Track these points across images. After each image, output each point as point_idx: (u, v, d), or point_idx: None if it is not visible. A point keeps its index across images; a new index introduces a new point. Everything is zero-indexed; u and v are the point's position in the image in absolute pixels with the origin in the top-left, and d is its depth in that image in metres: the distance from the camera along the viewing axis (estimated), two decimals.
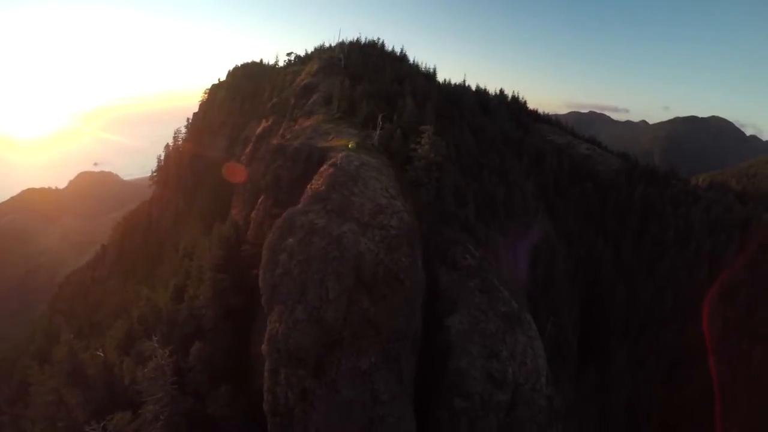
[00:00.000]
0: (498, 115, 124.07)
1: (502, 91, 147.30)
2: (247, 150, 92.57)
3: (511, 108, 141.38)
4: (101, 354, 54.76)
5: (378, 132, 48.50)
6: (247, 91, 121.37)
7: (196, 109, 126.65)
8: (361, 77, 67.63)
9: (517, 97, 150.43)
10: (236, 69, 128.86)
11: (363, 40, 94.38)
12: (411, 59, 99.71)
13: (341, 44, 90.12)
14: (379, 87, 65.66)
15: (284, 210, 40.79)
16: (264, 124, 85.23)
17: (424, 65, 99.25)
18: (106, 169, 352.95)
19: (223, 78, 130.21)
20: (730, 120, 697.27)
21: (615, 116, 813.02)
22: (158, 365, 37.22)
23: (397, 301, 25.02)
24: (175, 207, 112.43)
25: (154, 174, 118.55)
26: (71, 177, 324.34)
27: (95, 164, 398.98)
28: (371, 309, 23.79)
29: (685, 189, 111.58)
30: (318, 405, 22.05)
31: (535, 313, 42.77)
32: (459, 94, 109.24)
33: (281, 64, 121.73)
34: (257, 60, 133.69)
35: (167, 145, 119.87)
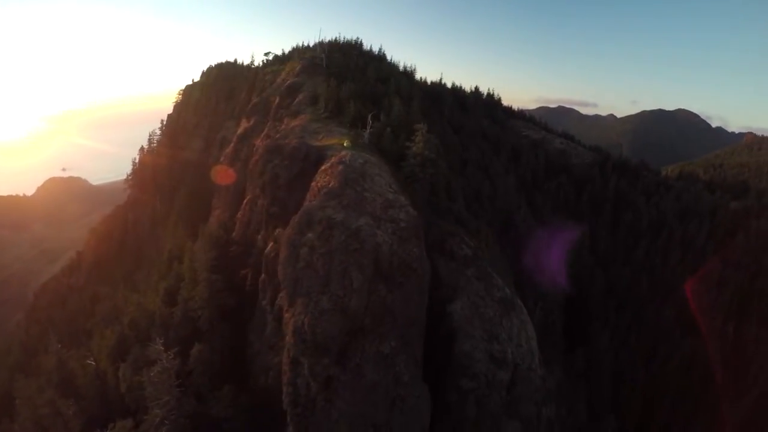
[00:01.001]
0: (475, 113, 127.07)
1: (477, 89, 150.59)
2: (227, 151, 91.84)
3: (486, 105, 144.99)
4: (92, 362, 53.82)
5: (368, 131, 49.51)
6: (222, 91, 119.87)
7: (171, 111, 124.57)
8: (345, 77, 68.25)
9: (492, 95, 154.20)
10: (211, 69, 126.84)
11: (341, 40, 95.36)
12: (389, 58, 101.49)
13: (321, 44, 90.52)
14: (364, 87, 66.57)
15: (282, 208, 41.65)
16: (245, 124, 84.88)
17: (402, 64, 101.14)
18: (75, 174, 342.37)
19: (197, 78, 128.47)
20: (697, 113, 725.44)
21: (584, 110, 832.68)
22: (164, 368, 37.02)
23: (410, 288, 26.28)
24: (152, 210, 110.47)
25: (130, 177, 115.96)
26: (40, 183, 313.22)
27: (63, 169, 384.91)
28: (388, 297, 24.95)
29: (656, 180, 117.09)
30: (343, 391, 22.96)
31: (524, 299, 44.79)
32: (437, 92, 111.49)
33: (257, 64, 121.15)
34: (232, 60, 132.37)
35: (142, 148, 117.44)
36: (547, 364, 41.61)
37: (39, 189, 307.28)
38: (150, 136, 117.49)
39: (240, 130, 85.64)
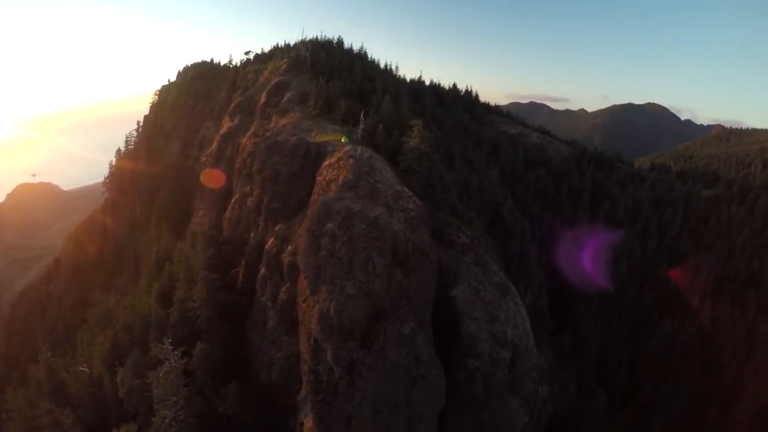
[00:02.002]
0: (455, 109, 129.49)
1: (455, 86, 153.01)
2: (209, 151, 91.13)
3: (465, 101, 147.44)
4: (86, 369, 52.89)
5: (361, 127, 50.45)
6: (200, 91, 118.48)
7: (147, 112, 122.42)
8: (331, 75, 68.94)
9: (470, 92, 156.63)
10: (187, 69, 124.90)
11: (322, 39, 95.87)
12: (370, 57, 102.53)
13: (304, 43, 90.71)
14: (352, 84, 67.49)
15: (283, 204, 42.21)
16: (228, 123, 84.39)
17: (383, 62, 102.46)
18: (46, 180, 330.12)
19: (173, 79, 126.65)
20: (666, 106, 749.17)
21: (555, 105, 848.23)
22: (171, 368, 36.92)
23: (423, 273, 27.40)
24: (131, 213, 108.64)
25: (107, 181, 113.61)
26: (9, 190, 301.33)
27: (33, 175, 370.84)
28: (404, 281, 25.97)
29: (630, 171, 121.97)
30: (367, 373, 23.82)
31: (514, 284, 46.70)
32: (418, 89, 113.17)
33: (235, 63, 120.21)
34: (208, 60, 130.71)
35: (119, 151, 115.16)
36: (538, 346, 43.50)
37: (8, 196, 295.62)
38: (127, 138, 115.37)
39: (223, 130, 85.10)
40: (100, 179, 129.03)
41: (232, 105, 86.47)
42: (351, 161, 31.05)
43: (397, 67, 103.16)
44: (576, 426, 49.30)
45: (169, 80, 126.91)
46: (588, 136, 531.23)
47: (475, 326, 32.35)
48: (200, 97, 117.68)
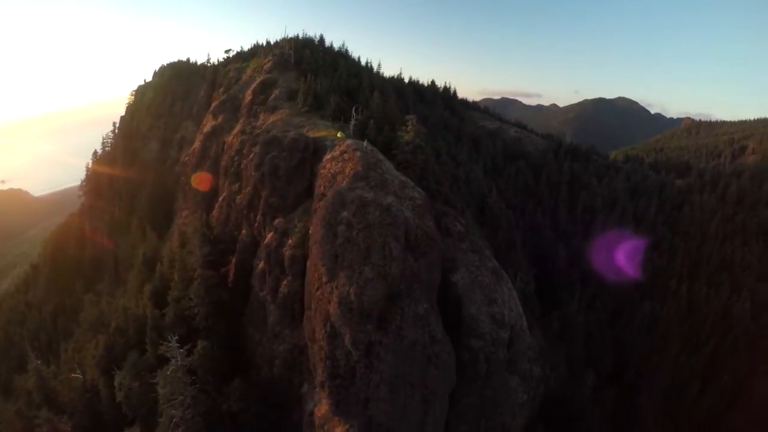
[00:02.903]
0: (435, 105, 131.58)
1: (434, 83, 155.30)
2: (191, 150, 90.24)
3: (444, 98, 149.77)
4: (79, 375, 51.81)
5: (353, 123, 51.23)
6: (177, 91, 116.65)
7: (123, 113, 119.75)
8: (316, 72, 69.46)
9: (448, 88, 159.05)
10: (164, 69, 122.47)
11: (304, 37, 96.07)
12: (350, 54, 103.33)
13: (287, 41, 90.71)
14: (339, 81, 68.17)
15: (282, 198, 42.72)
16: (212, 122, 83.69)
17: (364, 60, 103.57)
18: (16, 186, 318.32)
19: (149, 79, 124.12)
20: (636, 100, 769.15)
21: (527, 101, 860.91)
22: (178, 366, 36.66)
23: (431, 257, 28.47)
24: (110, 217, 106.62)
25: (84, 184, 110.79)
26: None
27: (2, 182, 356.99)
28: (415, 265, 26.95)
29: (606, 163, 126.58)
30: (385, 354, 24.65)
31: (504, 271, 48.40)
32: (399, 86, 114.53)
33: (213, 61, 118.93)
34: (184, 59, 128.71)
35: (95, 153, 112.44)
36: (528, 329, 45.34)
37: None
38: (103, 140, 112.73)
39: (206, 129, 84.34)
40: (73, 184, 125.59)
41: (214, 104, 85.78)
42: (358, 154, 31.94)
43: (379, 65, 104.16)
44: (567, 405, 51.43)
45: (145, 80, 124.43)
46: (560, 130, 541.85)
47: (476, 309, 33.61)
48: (178, 96, 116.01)
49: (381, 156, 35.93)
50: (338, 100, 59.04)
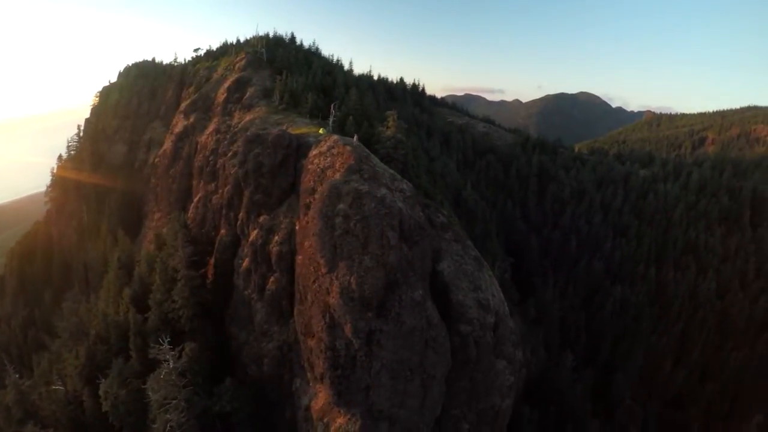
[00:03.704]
0: (405, 101, 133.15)
1: (402, 80, 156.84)
2: (162, 151, 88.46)
3: (413, 94, 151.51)
4: (60, 387, 50.13)
5: (331, 119, 51.65)
6: (143, 91, 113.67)
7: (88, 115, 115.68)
8: (290, 71, 69.36)
9: (417, 85, 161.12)
10: (129, 69, 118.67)
11: (274, 36, 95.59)
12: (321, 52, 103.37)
13: (258, 39, 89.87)
14: (314, 79, 68.27)
15: (267, 195, 42.74)
16: (183, 122, 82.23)
17: (335, 58, 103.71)
18: None
19: (114, 79, 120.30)
20: (598, 94, 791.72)
21: (491, 97, 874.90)
22: (171, 369, 36.01)
23: (423, 246, 29.33)
24: (78, 222, 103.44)
25: (49, 190, 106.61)
26: None
27: None
28: (410, 253, 27.79)
29: (572, 155, 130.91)
30: (385, 341, 25.35)
31: None
32: (370, 84, 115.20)
33: (180, 61, 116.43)
34: (149, 59, 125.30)
35: (60, 157, 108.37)
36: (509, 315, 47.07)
37: None
38: (68, 143, 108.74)
39: (178, 129, 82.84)
40: (38, 190, 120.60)
41: (185, 103, 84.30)
42: (348, 148, 32.45)
43: (350, 63, 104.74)
44: (549, 386, 53.68)
45: (109, 81, 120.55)
46: (524, 125, 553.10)
47: (462, 295, 34.72)
48: (144, 97, 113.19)
49: (366, 149, 36.62)
50: (315, 98, 59.28)
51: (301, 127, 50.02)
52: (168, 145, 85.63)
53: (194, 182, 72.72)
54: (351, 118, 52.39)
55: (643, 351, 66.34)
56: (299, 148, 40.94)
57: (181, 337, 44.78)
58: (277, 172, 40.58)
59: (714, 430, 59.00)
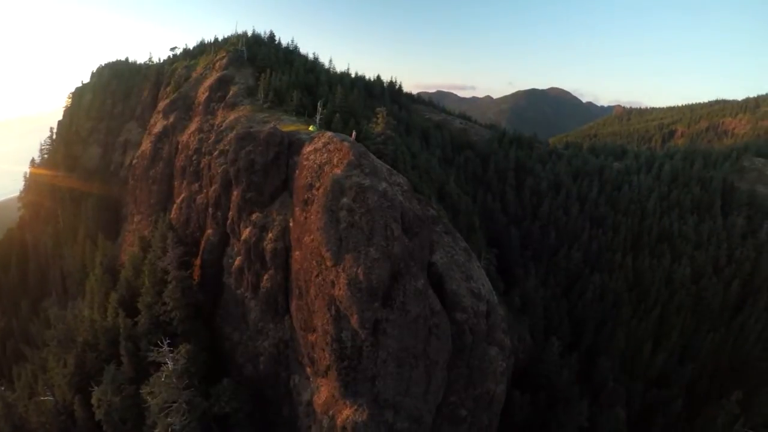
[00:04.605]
0: (383, 99, 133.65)
1: (379, 77, 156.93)
2: (140, 152, 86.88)
3: (390, 92, 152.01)
4: (51, 397, 48.59)
5: (318, 117, 51.97)
6: (118, 92, 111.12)
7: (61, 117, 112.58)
8: (272, 69, 69.11)
9: (394, 82, 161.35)
10: (102, 69, 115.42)
11: (253, 34, 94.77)
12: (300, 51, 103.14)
13: (237, 37, 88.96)
14: (297, 77, 68.24)
15: (259, 193, 42.83)
16: (163, 122, 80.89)
17: (311, 56, 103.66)
18: None
19: (87, 80, 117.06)
20: (569, 90, 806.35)
21: (462, 94, 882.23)
22: (172, 370, 35.84)
23: (422, 237, 30.20)
24: (54, 228, 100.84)
25: (22, 195, 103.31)
26: None
27: None
28: (410, 244, 28.58)
29: (548, 149, 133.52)
30: (391, 330, 26.07)
31: None
32: (350, 81, 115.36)
33: (156, 60, 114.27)
34: (123, 59, 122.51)
35: (33, 161, 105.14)
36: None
37: None
38: (41, 146, 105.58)
39: (157, 129, 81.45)
40: (10, 195, 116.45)
41: (164, 103, 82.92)
42: (347, 144, 32.91)
43: (330, 61, 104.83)
44: (537, 372, 55.43)
45: (82, 82, 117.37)
46: (496, 121, 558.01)
47: (456, 285, 35.73)
48: (118, 98, 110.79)
49: (365, 147, 37.29)
50: (299, 96, 59.42)
51: (288, 125, 50.08)
52: (146, 145, 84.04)
53: (176, 183, 71.67)
54: (337, 115, 52.80)
55: (624, 335, 68.62)
56: (291, 145, 41.16)
57: (173, 339, 44.15)
58: (270, 169, 40.76)
59: (696, 407, 61.83)
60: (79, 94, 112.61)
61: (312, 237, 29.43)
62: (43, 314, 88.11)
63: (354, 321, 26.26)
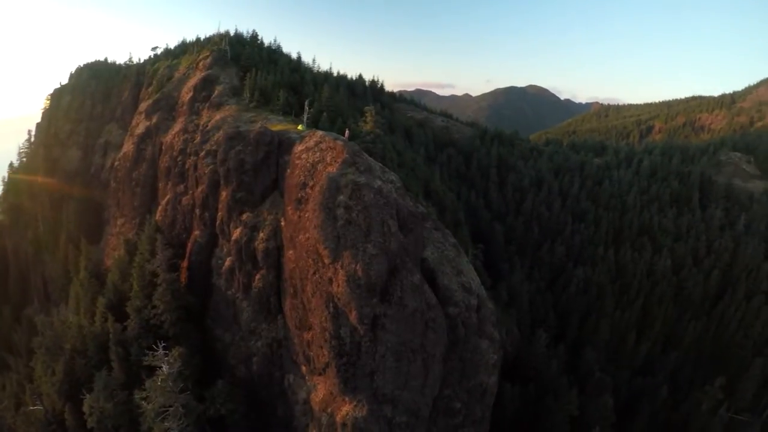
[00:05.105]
0: (366, 98, 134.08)
1: (361, 76, 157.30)
2: (122, 154, 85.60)
3: (372, 91, 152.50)
4: (40, 406, 47.66)
5: (306, 116, 52.05)
6: (97, 93, 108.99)
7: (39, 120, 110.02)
8: (257, 68, 68.91)
9: (376, 81, 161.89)
10: (81, 70, 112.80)
11: (236, 33, 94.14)
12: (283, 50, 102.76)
13: (220, 37, 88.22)
14: (282, 77, 68.15)
15: (249, 192, 42.88)
16: (146, 123, 79.85)
17: (293, 55, 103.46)
18: None
19: (65, 81, 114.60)
20: (547, 87, 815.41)
21: (441, 92, 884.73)
22: (168, 374, 35.64)
23: (417, 233, 30.69)
24: (34, 233, 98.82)
25: (1, 200, 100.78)
26: None
27: None
28: (405, 240, 29.09)
29: (529, 146, 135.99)
30: (389, 324, 26.54)
31: None
32: (334, 80, 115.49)
33: (136, 60, 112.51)
34: (102, 59, 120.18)
35: (11, 165, 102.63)
36: None
37: None
38: (19, 150, 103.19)
39: (139, 130, 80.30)
40: None
41: (146, 103, 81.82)
42: (340, 143, 33.24)
43: (314, 61, 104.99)
44: (526, 364, 56.64)
45: (60, 83, 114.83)
46: (474, 119, 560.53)
47: (447, 280, 36.36)
48: (98, 99, 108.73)
49: (357, 145, 37.67)
50: (286, 95, 59.41)
51: (276, 124, 50.12)
52: (129, 147, 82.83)
53: (160, 184, 70.87)
54: (324, 114, 52.99)
55: (608, 326, 70.43)
56: (281, 145, 41.24)
57: (165, 342, 43.92)
58: (260, 168, 40.83)
59: (681, 394, 63.92)
60: (57, 96, 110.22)
61: (308, 235, 29.70)
62: (26, 322, 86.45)
63: (353, 317, 26.64)
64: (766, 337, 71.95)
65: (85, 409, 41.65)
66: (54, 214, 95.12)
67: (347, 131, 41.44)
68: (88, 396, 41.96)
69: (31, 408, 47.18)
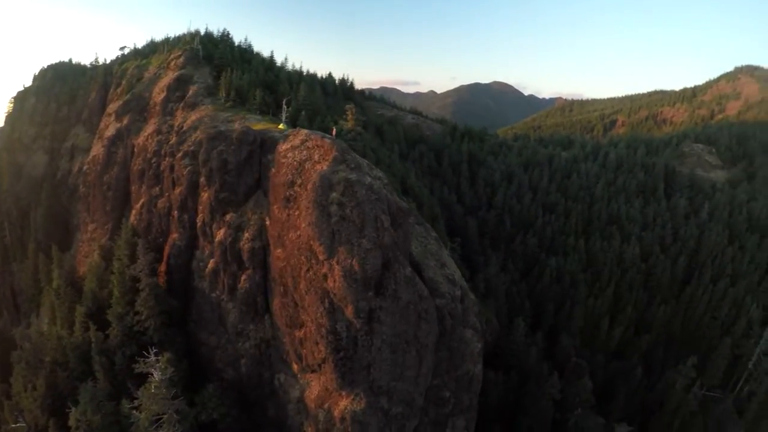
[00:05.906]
0: (337, 96, 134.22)
1: (331, 75, 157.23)
2: (92, 157, 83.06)
3: (343, 89, 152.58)
4: (23, 423, 46.26)
5: (285, 114, 51.99)
6: (62, 95, 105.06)
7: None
8: (231, 67, 68.12)
9: (346, 80, 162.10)
10: (44, 71, 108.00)
11: (206, 33, 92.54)
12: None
13: (191, 36, 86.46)
14: (257, 76, 67.57)
15: (233, 192, 42.69)
16: (116, 124, 77.62)
17: (265, 54, 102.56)
18: None
19: (29, 83, 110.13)
20: (511, 83, 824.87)
21: (405, 89, 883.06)
22: (161, 380, 34.88)
23: (406, 227, 31.56)
24: (0, 242, 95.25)
25: None
26: None
27: None
28: (395, 234, 29.78)
29: (498, 141, 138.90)
30: (385, 317, 27.30)
31: None
32: (308, 79, 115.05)
33: (102, 61, 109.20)
34: (66, 60, 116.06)
35: None
36: None
37: None
38: None
39: (109, 132, 77.98)
40: None
41: (116, 104, 79.60)
42: (328, 141, 33.61)
43: (285, 60, 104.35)
44: (507, 352, 58.50)
45: (24, 86, 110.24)
46: (440, 115, 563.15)
47: (433, 272, 37.42)
48: (63, 101, 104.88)
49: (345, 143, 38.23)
50: (263, 94, 59.13)
51: (255, 124, 49.77)
52: (98, 150, 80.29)
53: (133, 188, 69.12)
54: (303, 113, 53.13)
55: (582, 313, 73.02)
56: (263, 144, 41.28)
57: (149, 349, 43.41)
58: (243, 168, 40.79)
59: (655, 374, 67.11)
60: (21, 99, 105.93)
61: (299, 233, 30.12)
62: (17, 332, 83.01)
63: (349, 311, 27.28)
64: (733, 317, 75.94)
65: (72, 422, 40.09)
66: (21, 222, 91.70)
67: (333, 129, 41.84)
68: (73, 409, 40.51)
69: (13, 426, 45.65)
